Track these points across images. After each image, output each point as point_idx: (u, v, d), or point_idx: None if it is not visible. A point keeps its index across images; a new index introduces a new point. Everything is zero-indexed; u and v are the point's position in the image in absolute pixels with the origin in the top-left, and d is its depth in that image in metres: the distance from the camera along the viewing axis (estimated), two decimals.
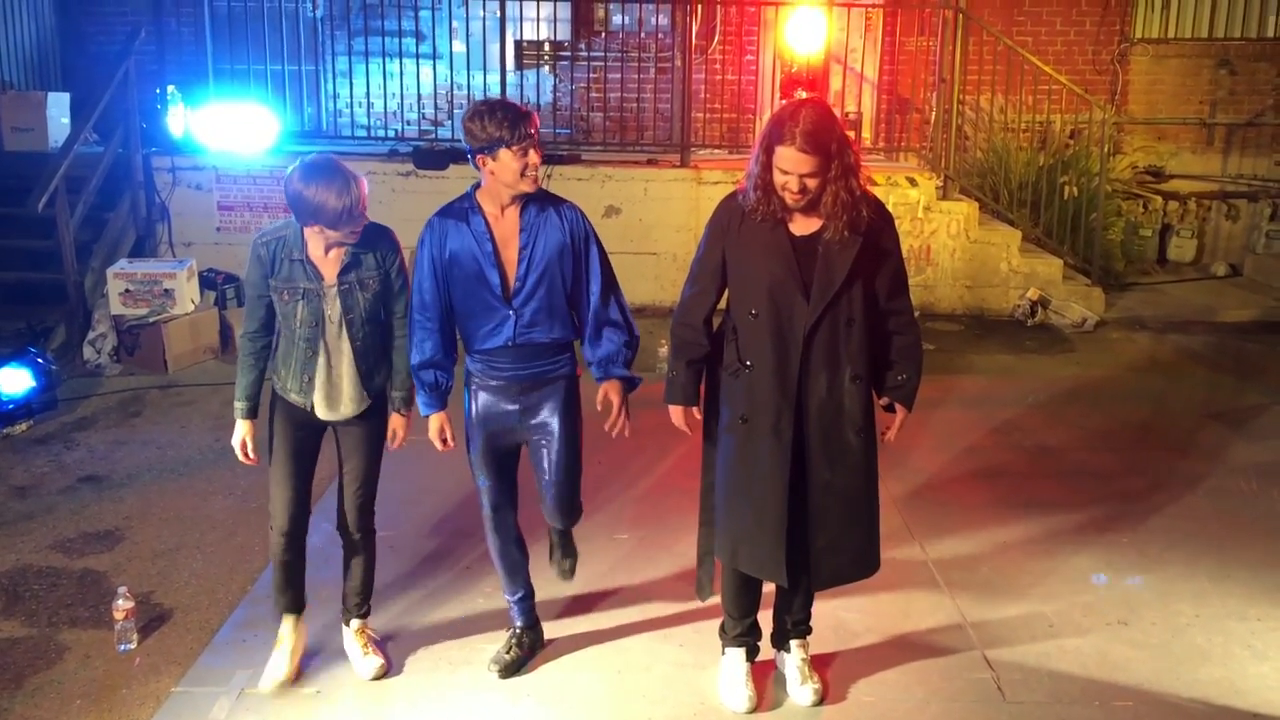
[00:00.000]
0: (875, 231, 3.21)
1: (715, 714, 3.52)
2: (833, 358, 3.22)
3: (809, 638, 3.65)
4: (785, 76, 8.97)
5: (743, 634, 3.58)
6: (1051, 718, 3.52)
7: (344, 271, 3.39)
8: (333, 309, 3.40)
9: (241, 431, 3.55)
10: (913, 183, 8.39)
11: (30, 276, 7.33)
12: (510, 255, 3.35)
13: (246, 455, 3.57)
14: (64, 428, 5.95)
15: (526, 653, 3.73)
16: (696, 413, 3.45)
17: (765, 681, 3.63)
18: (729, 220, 3.29)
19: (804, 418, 3.24)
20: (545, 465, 3.50)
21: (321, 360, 3.43)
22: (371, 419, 3.54)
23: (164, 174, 8.19)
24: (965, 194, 8.72)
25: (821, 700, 3.55)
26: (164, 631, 3.93)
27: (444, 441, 3.54)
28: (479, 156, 3.26)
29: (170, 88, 8.36)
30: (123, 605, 3.78)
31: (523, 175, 3.26)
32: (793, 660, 3.60)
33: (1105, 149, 8.88)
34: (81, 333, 7.05)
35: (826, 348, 3.21)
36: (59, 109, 8.28)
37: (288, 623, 3.66)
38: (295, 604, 3.67)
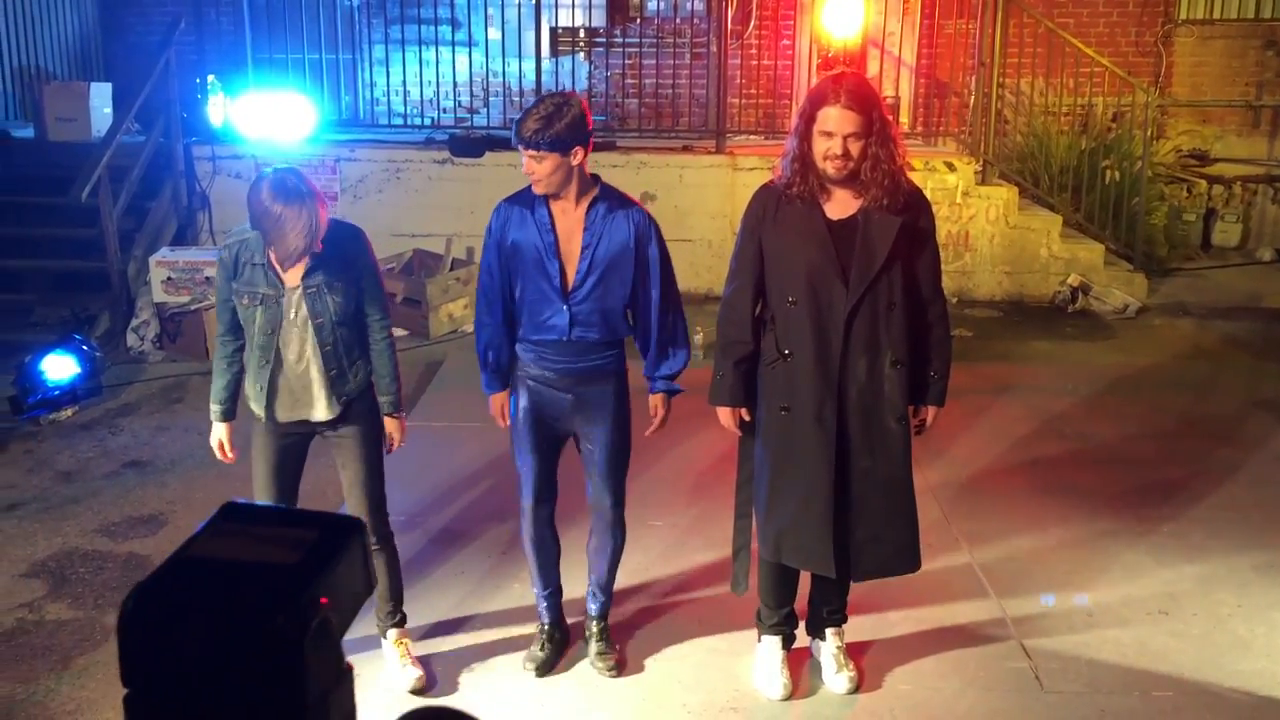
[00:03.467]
0: (914, 213, 3.19)
1: (750, 701, 3.52)
2: (873, 343, 3.20)
3: (844, 626, 3.64)
4: (822, 60, 8.90)
5: (779, 623, 3.57)
6: (1090, 707, 3.50)
7: (309, 274, 3.32)
8: (298, 312, 3.33)
9: (218, 434, 3.55)
10: (951, 167, 8.30)
11: (75, 265, 7.46)
12: (572, 251, 3.34)
13: (225, 455, 3.56)
14: (108, 414, 6.05)
15: (558, 648, 3.71)
16: (745, 414, 3.39)
17: (801, 669, 3.63)
18: (763, 209, 3.27)
19: (844, 405, 3.22)
20: (595, 455, 3.51)
21: (287, 363, 3.36)
22: (359, 424, 3.49)
23: (204, 163, 8.28)
24: (1005, 179, 8.62)
25: (857, 688, 3.54)
26: None
27: (504, 419, 3.56)
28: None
29: (210, 77, 8.44)
30: None
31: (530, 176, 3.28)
32: (828, 648, 3.60)
33: (1148, 132, 8.73)
34: (125, 320, 7.16)
35: (867, 333, 3.18)
36: (101, 99, 8.38)
37: None
38: None
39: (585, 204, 3.34)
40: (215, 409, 3.54)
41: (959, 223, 8.34)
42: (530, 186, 3.36)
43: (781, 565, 3.43)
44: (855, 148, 3.09)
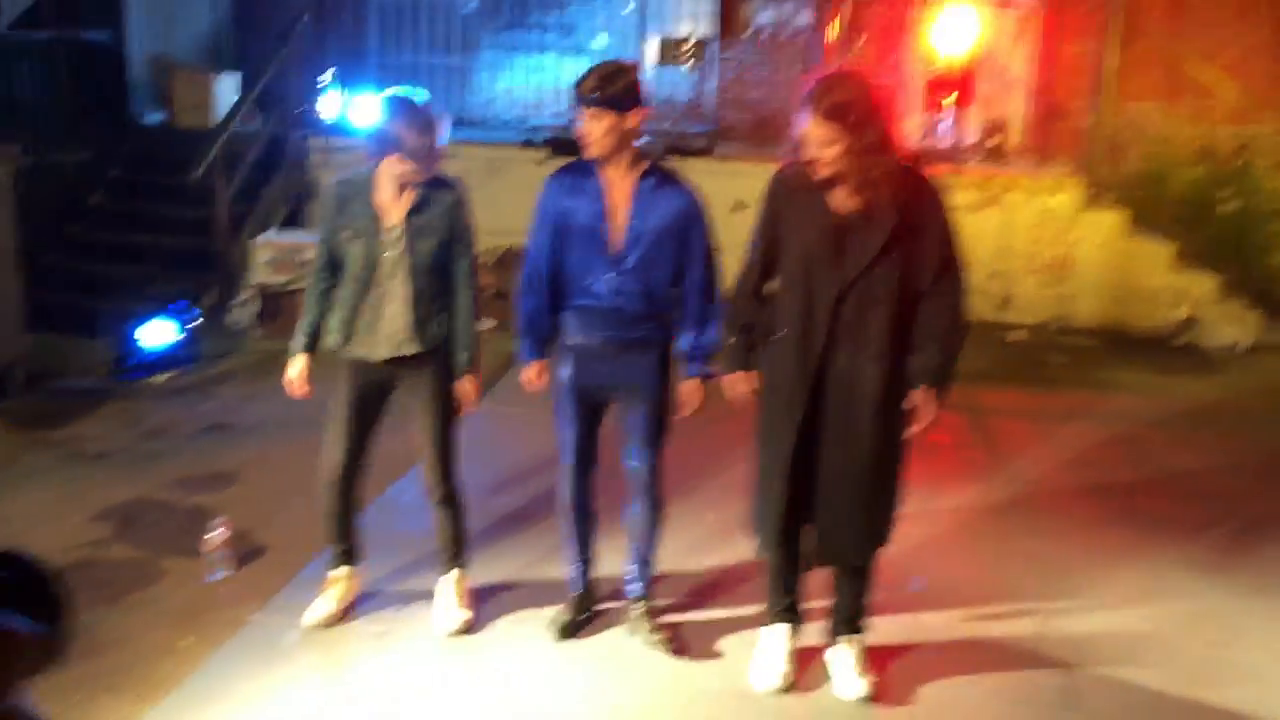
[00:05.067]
0: (917, 212, 3.12)
1: (769, 692, 3.48)
2: (858, 336, 3.16)
3: (863, 636, 3.56)
4: (932, 78, 8.77)
5: (784, 610, 3.53)
6: None
7: (411, 214, 3.47)
8: (394, 250, 3.47)
9: (297, 365, 3.62)
10: (1058, 190, 8.06)
11: (192, 242, 7.84)
12: (620, 221, 3.41)
13: (300, 388, 3.63)
14: (202, 381, 6.33)
15: (582, 616, 3.77)
16: (749, 379, 3.39)
17: (814, 667, 3.56)
18: (777, 191, 3.28)
19: (824, 394, 3.21)
20: (633, 423, 3.56)
21: (371, 301, 3.50)
22: (431, 377, 3.58)
23: (318, 154, 8.61)
24: (1116, 204, 8.32)
25: (874, 696, 3.45)
26: (255, 566, 4.15)
27: (537, 383, 3.61)
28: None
29: (330, 73, 8.79)
30: (213, 537, 4.02)
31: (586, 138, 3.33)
32: (844, 653, 3.52)
33: (1276, 165, 8.33)
34: (230, 296, 7.50)
35: (853, 325, 3.16)
36: (226, 88, 8.82)
37: (337, 573, 3.81)
38: (345, 558, 3.79)
39: (636, 175, 3.40)
40: (300, 340, 3.61)
41: (1063, 246, 8.09)
42: (583, 159, 3.43)
43: (784, 552, 3.41)
44: (826, 153, 3.04)
